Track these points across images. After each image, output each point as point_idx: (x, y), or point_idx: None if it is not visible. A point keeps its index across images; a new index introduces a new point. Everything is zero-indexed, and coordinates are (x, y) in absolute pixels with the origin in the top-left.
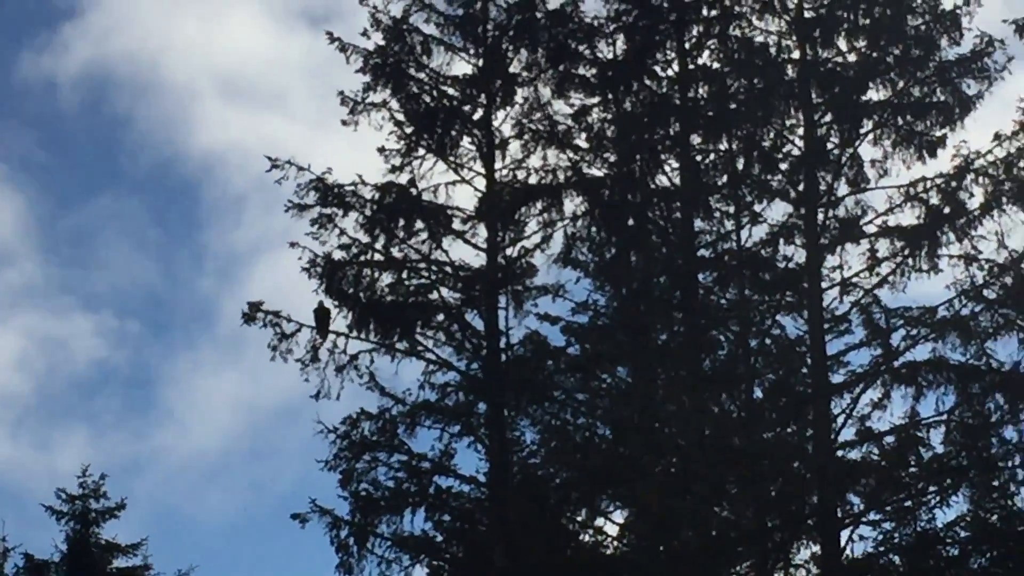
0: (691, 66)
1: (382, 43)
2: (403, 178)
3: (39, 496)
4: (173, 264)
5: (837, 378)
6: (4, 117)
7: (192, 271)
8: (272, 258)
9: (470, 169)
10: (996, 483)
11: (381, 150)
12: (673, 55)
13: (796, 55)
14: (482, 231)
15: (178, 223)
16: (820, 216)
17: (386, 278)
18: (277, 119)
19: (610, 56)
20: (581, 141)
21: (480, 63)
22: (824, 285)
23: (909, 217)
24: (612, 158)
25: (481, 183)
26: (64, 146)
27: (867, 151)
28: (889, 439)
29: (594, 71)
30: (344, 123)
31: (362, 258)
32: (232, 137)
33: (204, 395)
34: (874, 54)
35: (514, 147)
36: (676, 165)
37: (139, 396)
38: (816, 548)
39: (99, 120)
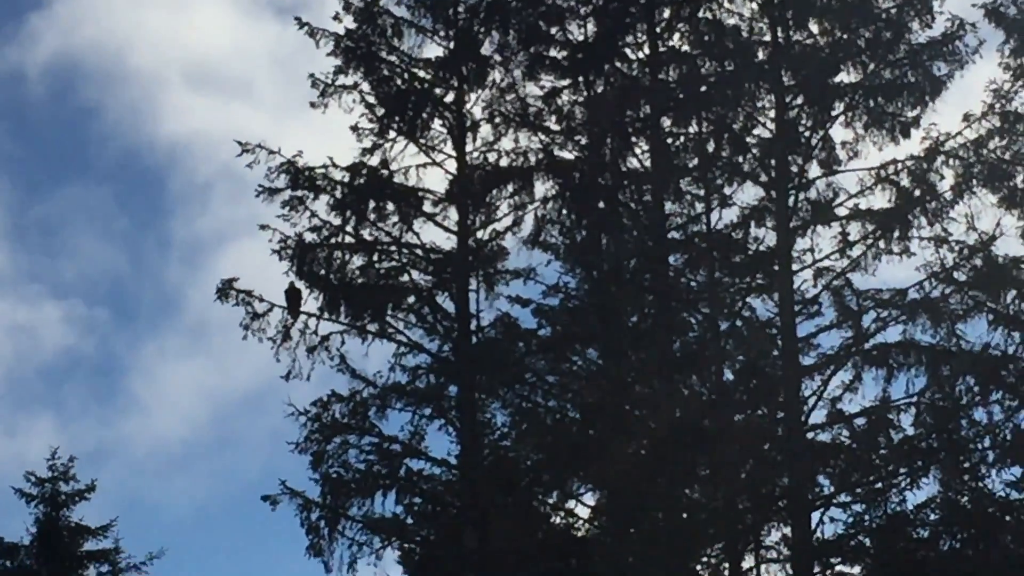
0: (661, 48)
1: (353, 26)
2: (374, 160)
3: (7, 483)
4: (140, 252)
5: (808, 360)
6: None
7: (159, 259)
8: (238, 246)
9: (441, 151)
10: (966, 465)
11: (354, 128)
12: (644, 37)
13: (767, 37)
14: (453, 214)
15: (145, 211)
16: (791, 199)
17: (357, 260)
18: (243, 108)
19: (581, 38)
20: (552, 124)
21: (451, 45)
22: (795, 267)
23: (880, 199)
24: (583, 141)
25: (452, 166)
26: (32, 136)
27: (838, 133)
28: (859, 421)
29: (565, 53)
30: (313, 105)
31: (333, 240)
32: (198, 125)
33: (170, 383)
34: (845, 36)
35: (485, 130)
36: (646, 147)
37: (106, 384)
38: (786, 530)
39: (67, 110)
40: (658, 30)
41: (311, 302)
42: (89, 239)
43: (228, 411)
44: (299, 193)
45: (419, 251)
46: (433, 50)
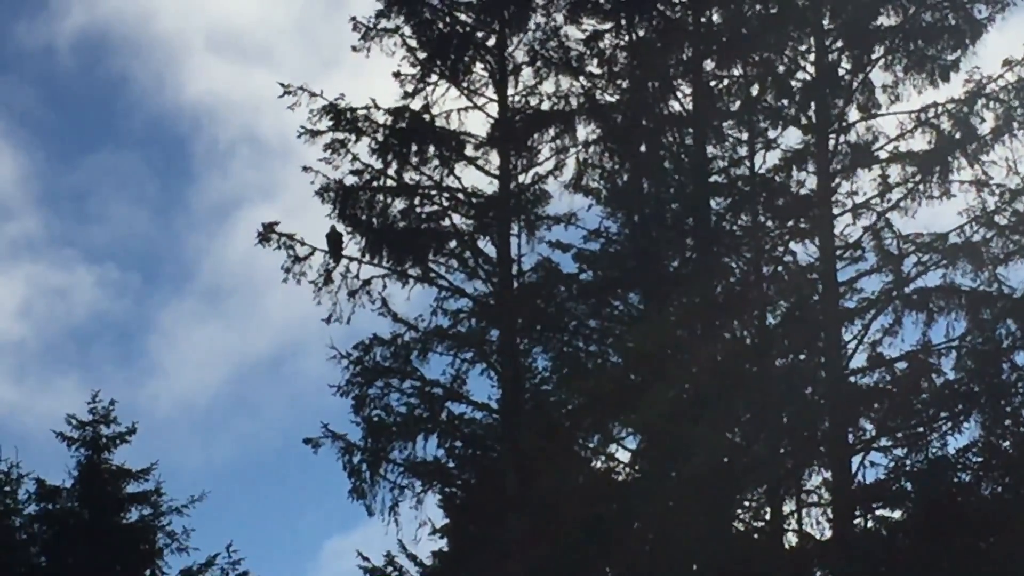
0: None
1: None
2: (416, 104)
3: (42, 440)
4: (169, 217)
5: (848, 304)
6: (6, 79)
7: (186, 223)
8: (260, 209)
9: (483, 95)
10: (1007, 409)
11: (396, 75)
12: None
13: None
14: (494, 158)
15: (173, 177)
16: (832, 142)
17: (399, 204)
18: (264, 74)
19: None
20: (593, 68)
21: None
22: (836, 211)
23: (920, 142)
24: (624, 84)
25: (494, 109)
26: (63, 106)
27: (878, 76)
28: (901, 365)
29: None
30: (355, 49)
31: (375, 184)
32: (221, 91)
33: (194, 346)
34: None
35: (526, 73)
36: (689, 91)
37: (132, 346)
38: (827, 474)
39: (95, 80)
40: None
41: (352, 246)
42: (120, 205)
43: (249, 373)
44: (341, 136)
45: (461, 195)
46: None
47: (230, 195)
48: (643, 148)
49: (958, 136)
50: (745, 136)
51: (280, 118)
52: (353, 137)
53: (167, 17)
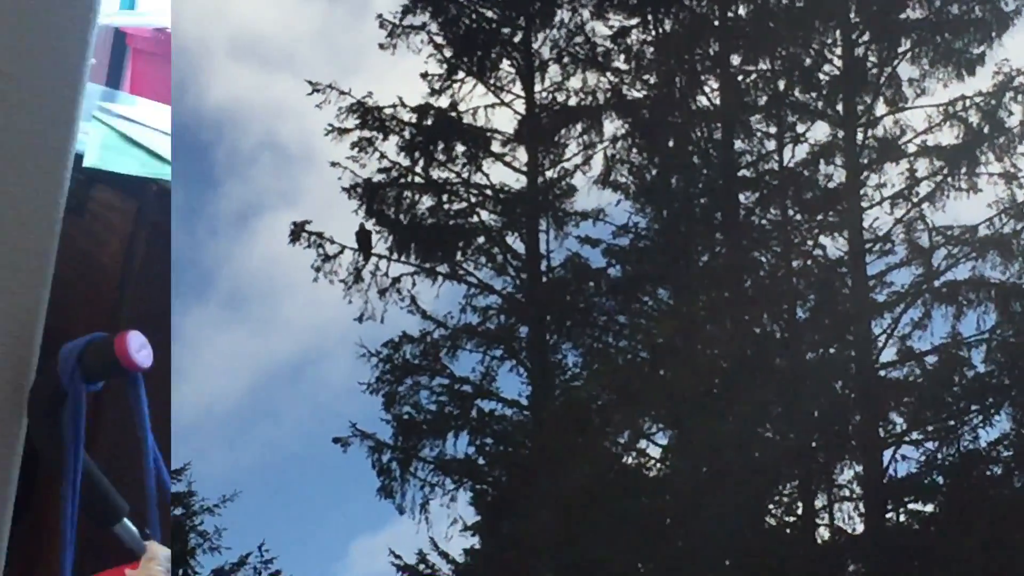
0: None
1: None
2: (443, 101)
3: None
4: (191, 223)
5: (878, 298)
6: None
7: (208, 230)
8: (281, 215)
9: (509, 92)
10: None
11: (424, 75)
12: None
13: None
14: (522, 154)
15: (194, 183)
16: (859, 136)
17: (426, 201)
18: (285, 79)
19: None
20: (621, 63)
21: None
22: (865, 205)
23: (948, 136)
24: (652, 79)
25: (521, 106)
26: None
27: (905, 70)
28: (931, 359)
29: None
30: (382, 47)
31: (402, 181)
32: (242, 96)
33: (218, 351)
34: None
35: (553, 70)
36: (716, 85)
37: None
38: (859, 468)
39: None
40: None
41: (379, 244)
42: None
43: (272, 380)
44: (368, 134)
45: (488, 191)
46: None
47: (251, 201)
48: (671, 143)
49: (986, 129)
50: (773, 130)
51: (301, 124)
52: (380, 135)
53: (188, 24)
